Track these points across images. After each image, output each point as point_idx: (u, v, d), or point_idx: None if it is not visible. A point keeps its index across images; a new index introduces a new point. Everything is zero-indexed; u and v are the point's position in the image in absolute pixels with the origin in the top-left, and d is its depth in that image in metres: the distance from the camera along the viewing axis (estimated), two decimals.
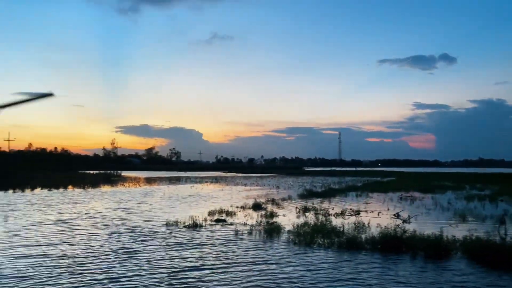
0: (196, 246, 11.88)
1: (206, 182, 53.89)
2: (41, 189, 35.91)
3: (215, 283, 8.43)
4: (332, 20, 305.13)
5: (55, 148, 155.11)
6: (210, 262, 10.05)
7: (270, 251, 11.23)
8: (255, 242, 12.42)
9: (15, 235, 13.56)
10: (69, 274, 8.90)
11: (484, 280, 8.63)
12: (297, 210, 20.25)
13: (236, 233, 13.81)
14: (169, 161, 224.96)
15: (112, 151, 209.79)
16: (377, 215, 18.66)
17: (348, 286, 8.26)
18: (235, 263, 10.00)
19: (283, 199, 26.35)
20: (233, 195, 30.99)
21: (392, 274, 9.00)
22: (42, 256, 10.58)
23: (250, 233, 13.82)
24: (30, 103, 4.36)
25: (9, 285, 8.19)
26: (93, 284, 8.29)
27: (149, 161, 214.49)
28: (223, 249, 11.45)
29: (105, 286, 8.17)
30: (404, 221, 16.51)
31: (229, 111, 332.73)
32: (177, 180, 59.00)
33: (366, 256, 10.74)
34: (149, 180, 59.25)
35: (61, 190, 36.05)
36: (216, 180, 61.02)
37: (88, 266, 9.62)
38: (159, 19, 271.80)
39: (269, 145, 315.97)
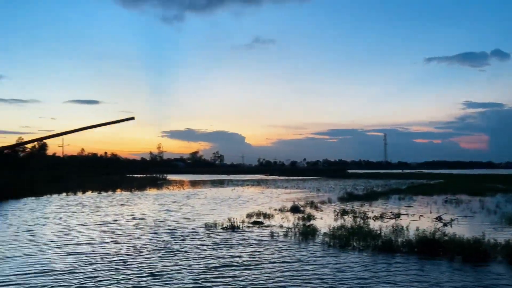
0: (232, 246, 12.30)
1: (247, 185, 54.55)
2: (91, 192, 37.96)
3: (249, 280, 8.77)
4: (375, 18, 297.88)
5: (105, 153, 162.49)
6: (245, 261, 10.42)
7: (304, 252, 11.42)
8: (289, 244, 12.66)
9: (67, 234, 14.62)
10: (114, 270, 9.58)
11: None
12: (335, 213, 20.22)
13: (272, 234, 14.10)
14: (213, 164, 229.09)
15: (158, 155, 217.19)
16: (418, 218, 18.28)
17: (377, 287, 8.31)
18: (269, 262, 10.31)
19: (322, 202, 26.31)
20: (272, 198, 31.28)
21: (425, 277, 8.93)
22: (90, 254, 11.40)
23: (285, 235, 14.07)
24: (114, 124, 5.07)
25: (59, 278, 8.96)
26: (136, 279, 8.89)
27: (193, 164, 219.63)
28: (258, 249, 11.79)
29: (148, 281, 8.73)
30: (445, 224, 16.10)
31: (271, 114, 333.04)
32: (219, 183, 60.13)
33: (401, 259, 10.67)
34: (192, 183, 60.83)
35: (109, 193, 37.92)
36: (257, 183, 61.58)
37: (132, 263, 10.29)
38: (202, 26, 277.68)
39: (311, 148, 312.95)
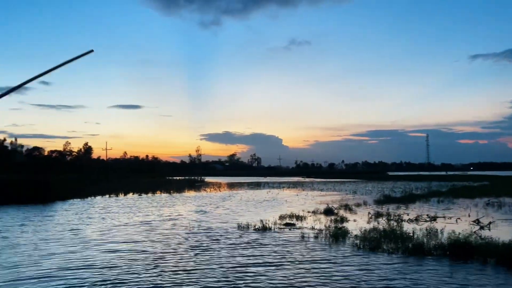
0: (262, 246, 12.61)
1: (283, 187, 54.71)
2: (132, 194, 39.52)
3: (276, 277, 9.04)
4: (414, 15, 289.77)
5: (146, 156, 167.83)
6: (273, 260, 10.73)
7: (333, 253, 11.55)
8: (319, 245, 12.82)
9: (107, 233, 15.49)
10: (150, 266, 10.15)
11: None
12: (369, 215, 20.07)
13: (303, 236, 14.28)
14: (250, 167, 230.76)
15: (197, 158, 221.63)
16: (455, 222, 17.82)
17: (402, 286, 8.35)
18: (297, 261, 10.56)
19: (357, 205, 26.08)
20: (307, 200, 31.32)
21: (453, 279, 8.84)
22: (128, 251, 12.10)
23: (316, 236, 14.22)
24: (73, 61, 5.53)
25: (99, 273, 9.62)
26: (171, 275, 9.42)
27: (231, 167, 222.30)
28: (288, 249, 12.05)
29: (182, 277, 9.23)
30: (482, 228, 15.64)
31: (308, 116, 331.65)
32: (255, 185, 60.65)
33: (431, 261, 10.57)
34: (229, 185, 61.74)
35: (149, 195, 39.31)
36: (293, 185, 61.59)
37: (167, 260, 10.90)
38: (238, 30, 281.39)
39: (350, 150, 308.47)
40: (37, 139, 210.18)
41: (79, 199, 32.50)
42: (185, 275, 9.46)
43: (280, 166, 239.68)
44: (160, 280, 9.06)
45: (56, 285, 8.75)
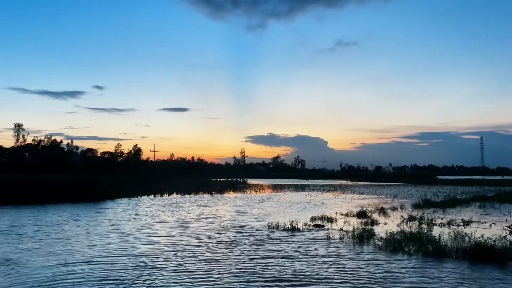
0: (288, 243, 13.35)
1: (323, 190, 54.76)
2: (176, 194, 41.44)
3: (295, 268, 9.81)
4: (468, 11, 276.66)
5: (192, 157, 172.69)
6: (295, 254, 11.53)
7: (352, 252, 12.11)
8: (343, 245, 13.37)
9: (148, 228, 16.87)
10: (181, 257, 11.23)
11: None
12: (402, 219, 20.14)
13: (328, 236, 14.85)
14: (294, 169, 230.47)
15: (241, 160, 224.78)
16: (489, 227, 17.60)
17: (405, 286, 8.80)
18: (316, 256, 11.22)
19: (393, 208, 26.04)
20: (344, 203, 31.50)
21: (467, 280, 9.14)
22: (164, 243, 13.31)
23: (341, 237, 14.74)
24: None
25: (135, 260, 10.81)
26: (202, 263, 10.51)
27: (274, 169, 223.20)
28: (311, 247, 12.69)
29: (211, 264, 10.30)
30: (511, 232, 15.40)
31: (354, 118, 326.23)
32: (295, 188, 61.09)
33: (450, 263, 10.83)
34: (269, 187, 62.60)
35: (192, 195, 41.04)
36: (334, 188, 61.40)
37: (198, 251, 12.06)
38: (284, 32, 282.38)
39: (398, 152, 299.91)
40: (91, 140, 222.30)
41: (126, 198, 34.71)
42: (214, 263, 10.63)
43: (324, 169, 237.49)
44: (189, 267, 10.11)
45: (99, 267, 10.01)
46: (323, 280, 9.27)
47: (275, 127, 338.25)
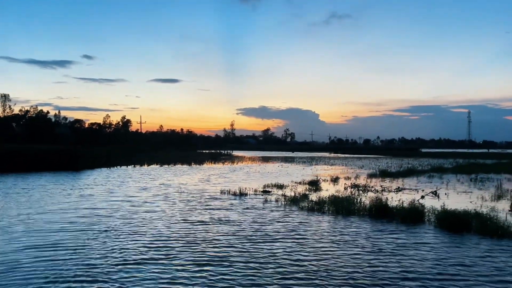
0: (226, 203, 15.57)
1: (300, 162, 57.19)
2: (155, 165, 43.60)
3: (216, 217, 11.98)
4: None
5: (181, 129, 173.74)
6: (226, 209, 13.67)
7: (280, 211, 14.34)
8: (273, 205, 15.67)
9: (113, 191, 19.00)
10: (133, 210, 13.39)
11: (419, 236, 10.54)
12: (345, 186, 22.47)
13: (266, 199, 17.14)
14: (283, 142, 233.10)
15: (231, 132, 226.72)
16: (417, 192, 19.97)
17: (293, 231, 11.07)
18: (240, 211, 13.45)
19: (347, 178, 28.45)
20: (307, 173, 33.84)
21: (362, 229, 11.43)
22: (122, 201, 15.44)
23: (277, 200, 17.03)
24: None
25: (97, 217, 12.97)
26: (144, 214, 12.62)
27: (264, 141, 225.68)
28: (247, 207, 14.92)
29: (150, 214, 12.41)
30: (422, 197, 17.78)
31: (346, 91, 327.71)
32: (276, 160, 63.49)
33: (353, 219, 13.11)
34: (250, 159, 64.99)
35: (171, 165, 43.22)
36: (311, 160, 63.91)
37: (147, 206, 14.14)
38: (278, 4, 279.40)
39: (389, 126, 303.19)
40: (81, 111, 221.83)
41: (106, 168, 36.80)
42: (153, 213, 13.01)
43: (315, 142, 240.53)
44: (133, 215, 12.30)
45: (60, 220, 12.15)
46: (237, 222, 11.95)
47: (267, 100, 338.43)
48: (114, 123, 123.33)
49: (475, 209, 13.38)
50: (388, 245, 9.89)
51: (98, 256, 8.85)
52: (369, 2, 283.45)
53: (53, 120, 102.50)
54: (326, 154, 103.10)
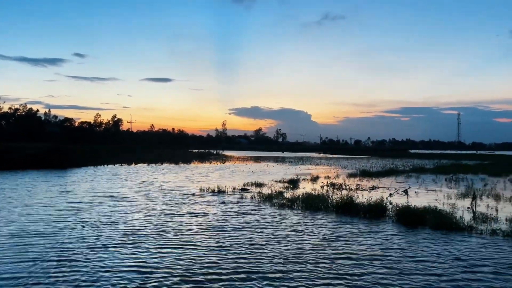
0: (203, 202, 16.29)
1: (287, 161, 58.03)
2: (142, 164, 44.14)
3: (188, 210, 12.70)
4: None
5: (173, 129, 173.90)
6: (202, 209, 14.40)
7: (250, 207, 15.11)
8: (248, 202, 16.43)
9: (95, 188, 19.62)
10: (116, 204, 14.05)
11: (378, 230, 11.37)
12: (321, 185, 23.30)
13: (241, 197, 17.88)
14: (275, 142, 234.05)
15: (223, 132, 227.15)
16: (388, 190, 20.82)
17: (259, 223, 11.84)
18: (214, 206, 14.19)
19: (327, 177, 29.29)
20: (289, 172, 34.64)
21: (324, 222, 12.22)
22: (104, 197, 16.10)
23: (252, 197, 17.80)
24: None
25: (81, 211, 13.62)
26: (124, 207, 13.29)
27: (256, 141, 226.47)
28: (221, 203, 15.65)
29: (128, 207, 13.10)
30: (391, 194, 18.68)
31: (339, 91, 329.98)
32: (261, 160, 64.24)
33: (319, 215, 13.89)
34: (238, 159, 65.65)
35: (158, 164, 43.77)
36: (298, 160, 64.80)
37: (128, 200, 14.81)
38: (271, 4, 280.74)
39: (381, 126, 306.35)
40: (72, 110, 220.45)
41: (92, 167, 37.29)
42: (132, 207, 13.67)
43: (307, 142, 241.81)
44: (113, 208, 12.98)
45: (44, 211, 12.79)
46: (208, 215, 12.86)
47: (259, 100, 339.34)
48: (105, 122, 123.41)
49: (435, 206, 14.29)
50: (344, 235, 10.76)
51: (74, 241, 9.75)
52: (362, 3, 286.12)
53: (43, 118, 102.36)
54: (316, 155, 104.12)
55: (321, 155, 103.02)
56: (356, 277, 7.51)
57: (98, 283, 7.03)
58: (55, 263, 8.11)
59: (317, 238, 10.39)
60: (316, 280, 7.34)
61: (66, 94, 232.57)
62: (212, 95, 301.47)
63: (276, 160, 63.59)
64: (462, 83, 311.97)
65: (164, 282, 7.16)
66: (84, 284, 7.02)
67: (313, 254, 8.88)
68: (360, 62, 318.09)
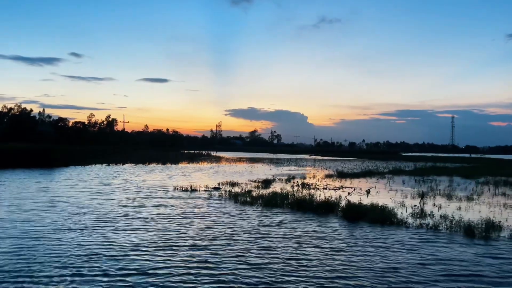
0: (173, 198, 17.49)
1: (275, 163, 59.26)
2: (130, 164, 45.30)
3: (161, 215, 13.89)
4: None
5: (167, 129, 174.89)
6: (170, 205, 15.60)
7: (213, 203, 16.35)
8: (215, 200, 17.66)
9: (77, 186, 20.79)
10: (97, 200, 15.23)
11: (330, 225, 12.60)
12: (293, 185, 24.52)
13: (210, 195, 19.11)
14: (270, 143, 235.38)
15: (218, 133, 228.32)
16: (353, 190, 22.04)
17: (214, 215, 13.08)
18: (185, 206, 15.38)
19: (303, 178, 30.52)
20: (270, 172, 35.84)
21: (275, 216, 13.44)
22: (85, 193, 17.29)
23: (220, 195, 19.01)
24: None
25: (67, 204, 14.79)
26: (100, 201, 14.48)
27: (250, 143, 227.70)
28: (188, 202, 16.86)
29: (105, 201, 14.25)
30: (349, 193, 19.94)
31: (335, 94, 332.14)
32: (253, 161, 65.46)
33: (279, 211, 15.10)
34: (225, 160, 66.87)
35: (145, 165, 44.92)
36: (287, 161, 66.05)
37: (113, 199, 16.06)
38: (268, 7, 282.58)
39: (376, 129, 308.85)
40: (68, 109, 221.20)
41: (80, 166, 38.43)
42: (108, 202, 14.69)
43: (302, 144, 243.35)
44: (88, 201, 14.19)
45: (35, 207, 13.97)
46: (170, 207, 14.27)
47: (256, 101, 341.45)
48: (99, 122, 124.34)
49: (383, 204, 15.52)
50: (288, 225, 12.04)
51: (43, 224, 11.23)
52: (359, 7, 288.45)
53: (37, 118, 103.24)
54: (307, 156, 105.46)
55: (312, 157, 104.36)
56: (280, 250, 9.02)
57: (70, 256, 8.27)
58: (31, 242, 9.71)
59: (262, 226, 11.83)
60: (231, 251, 8.60)
61: (62, 94, 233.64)
62: (209, 96, 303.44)
63: (265, 161, 64.80)
64: (457, 87, 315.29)
65: (117, 254, 8.37)
66: (55, 255, 8.46)
67: (249, 238, 10.40)
68: (356, 65, 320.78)
